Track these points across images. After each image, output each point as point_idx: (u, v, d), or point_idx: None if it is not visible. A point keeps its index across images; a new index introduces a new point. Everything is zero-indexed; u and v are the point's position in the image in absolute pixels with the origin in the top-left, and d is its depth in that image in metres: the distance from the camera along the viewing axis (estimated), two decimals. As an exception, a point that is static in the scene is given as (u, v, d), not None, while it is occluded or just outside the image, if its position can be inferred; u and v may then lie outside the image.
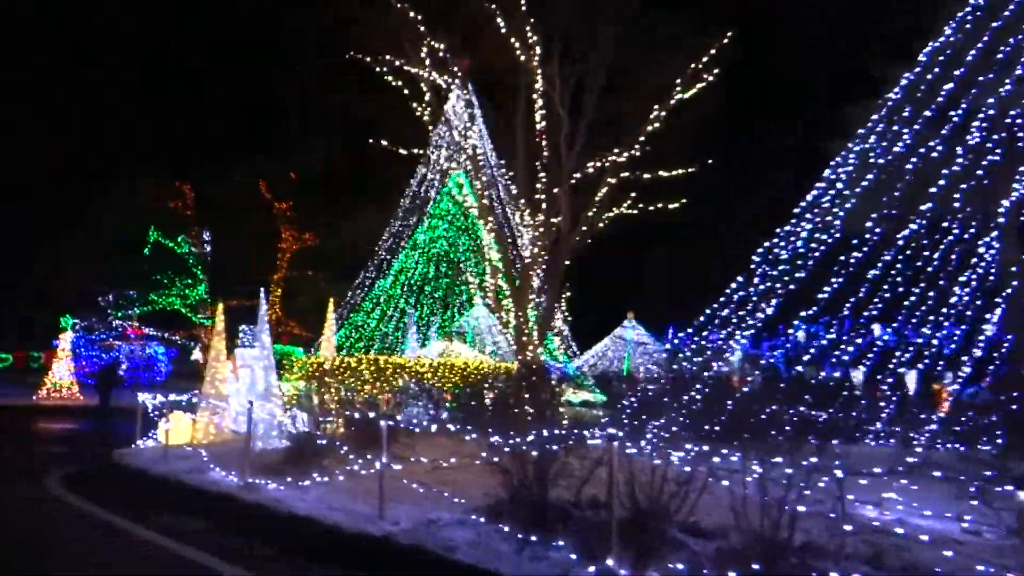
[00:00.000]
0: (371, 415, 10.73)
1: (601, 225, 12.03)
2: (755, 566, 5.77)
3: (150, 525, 9.27)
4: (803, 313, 14.94)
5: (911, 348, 16.86)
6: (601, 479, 7.69)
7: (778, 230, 14.40)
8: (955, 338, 17.00)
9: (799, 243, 14.33)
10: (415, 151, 36.65)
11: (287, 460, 11.03)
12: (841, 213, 14.08)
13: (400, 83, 12.10)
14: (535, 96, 11.81)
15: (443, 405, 13.58)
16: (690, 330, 13.67)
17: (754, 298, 13.12)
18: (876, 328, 18.72)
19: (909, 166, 12.08)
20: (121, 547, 8.63)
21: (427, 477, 9.69)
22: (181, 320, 44.67)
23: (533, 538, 7.05)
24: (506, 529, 7.38)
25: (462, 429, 11.09)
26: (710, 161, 11.83)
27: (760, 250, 14.46)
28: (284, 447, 12.63)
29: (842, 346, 17.04)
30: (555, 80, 11.62)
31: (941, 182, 11.70)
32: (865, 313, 15.66)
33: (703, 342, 15.83)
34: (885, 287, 15.32)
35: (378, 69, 12.28)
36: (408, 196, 39.03)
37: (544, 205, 12.16)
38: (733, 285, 14.38)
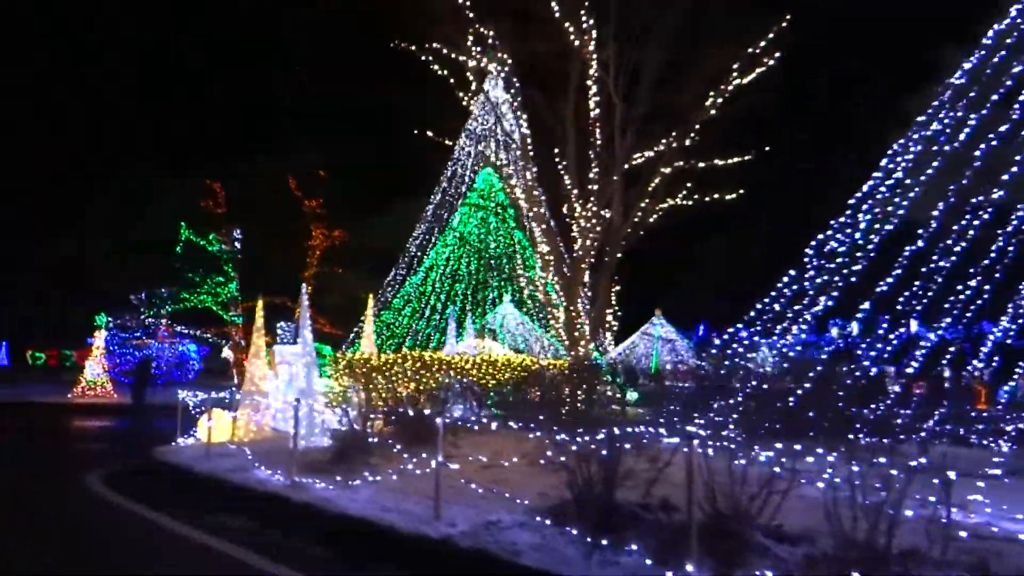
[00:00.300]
0: (425, 411, 10.42)
1: (653, 218, 11.61)
2: (854, 574, 5.36)
3: (197, 524, 9.04)
4: (861, 306, 14.42)
5: (953, 345, 16.26)
6: (669, 480, 7.32)
7: (832, 221, 13.91)
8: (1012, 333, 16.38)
9: (857, 235, 13.83)
10: (452, 143, 36.53)
11: (334, 459, 10.75)
12: (903, 203, 13.56)
13: (445, 71, 11.75)
14: (589, 83, 11.40)
15: (486, 402, 13.26)
16: (739, 326, 13.22)
17: (810, 292, 12.65)
18: (913, 324, 18.12)
19: (978, 152, 11.54)
20: (168, 547, 8.39)
21: (478, 476, 9.35)
22: (212, 318, 44.85)
23: (603, 542, 6.69)
24: (572, 532, 7.02)
25: (523, 427, 10.77)
26: (767, 148, 11.39)
27: (814, 243, 13.97)
28: (328, 445, 12.37)
29: (881, 343, 16.35)
30: (610, 65, 11.21)
31: (1014, 169, 11.16)
32: (919, 308, 15.11)
33: (737, 338, 15.34)
34: (940, 280, 14.77)
35: (423, 57, 11.95)
36: (438, 192, 38.86)
37: (594, 196, 11.76)
38: (785, 279, 13.91)
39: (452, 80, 11.68)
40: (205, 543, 8.29)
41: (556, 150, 11.67)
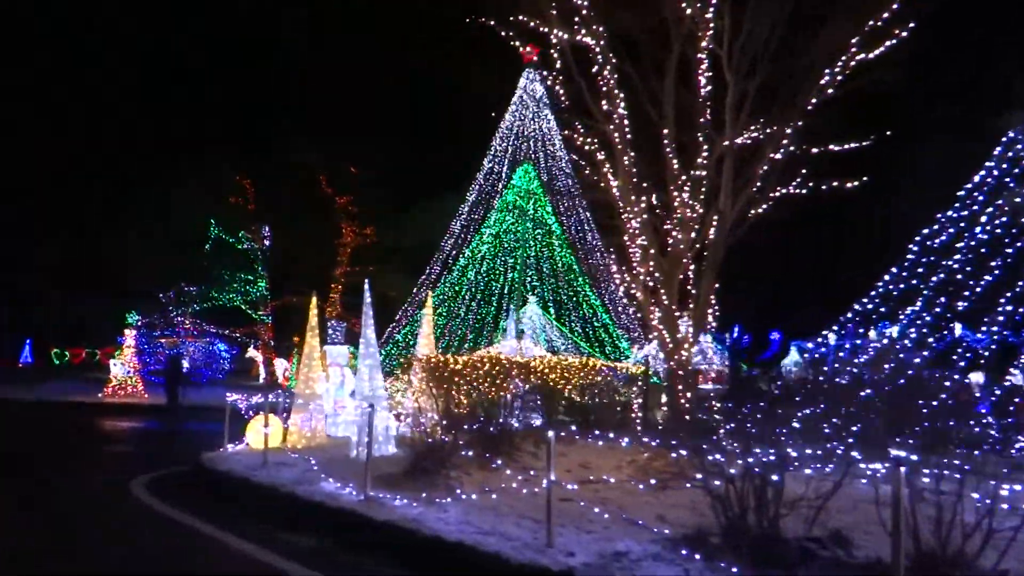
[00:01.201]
0: (512, 422, 9.39)
1: (764, 208, 10.51)
2: None
3: (266, 543, 8.04)
4: (959, 306, 13.25)
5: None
6: (835, 508, 6.24)
7: (939, 215, 12.73)
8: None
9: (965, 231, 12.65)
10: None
11: (409, 471, 9.71)
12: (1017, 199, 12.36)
13: (518, 44, 10.72)
14: (700, 56, 10.29)
15: (558, 408, 12.22)
16: (842, 327, 12.08)
17: (925, 291, 11.50)
18: (957, 327, 16.88)
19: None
20: (238, 570, 7.39)
21: (579, 494, 8.29)
22: (240, 317, 44.08)
23: (769, 582, 5.61)
24: (727, 567, 5.93)
25: (610, 437, 9.71)
26: (888, 133, 10.24)
27: (918, 238, 12.81)
28: (396, 455, 11.35)
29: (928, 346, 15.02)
30: (724, 37, 10.10)
31: None
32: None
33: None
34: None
35: (504, 33, 10.90)
36: (473, 190, 37.84)
37: (691, 185, 10.65)
38: (886, 277, 12.76)
39: (535, 59, 10.60)
40: (280, 568, 7.28)
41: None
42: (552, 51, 10.64)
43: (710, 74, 10.30)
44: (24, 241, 47.23)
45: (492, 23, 10.80)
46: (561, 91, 10.97)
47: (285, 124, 49.56)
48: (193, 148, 42.66)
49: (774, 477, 5.81)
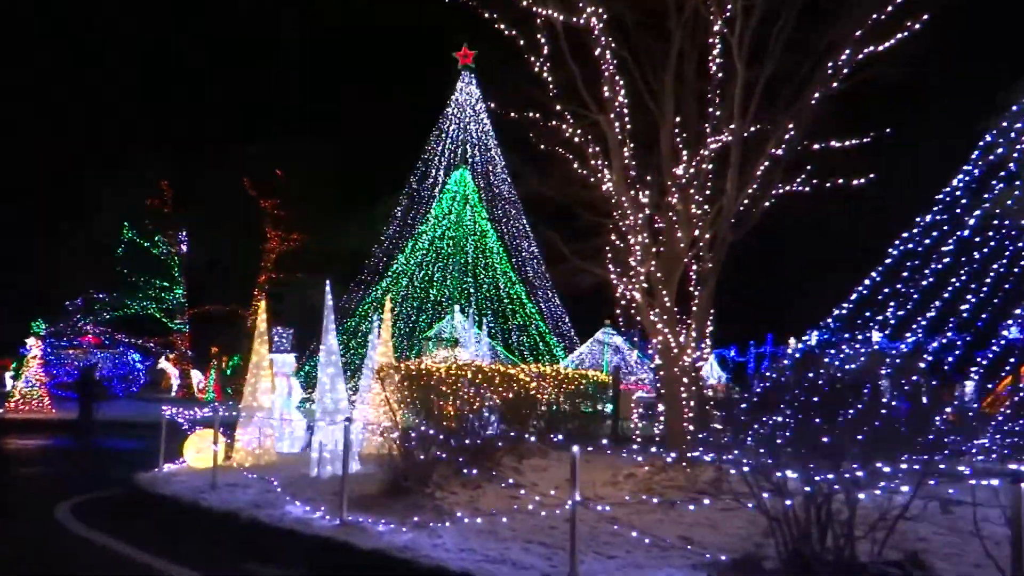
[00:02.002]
0: (512, 433, 8.55)
1: (767, 204, 9.99)
2: None
3: (232, 580, 7.00)
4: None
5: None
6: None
7: (919, 219, 12.54)
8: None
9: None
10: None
11: (386, 492, 8.76)
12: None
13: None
14: (713, 40, 9.68)
15: (542, 419, 11.46)
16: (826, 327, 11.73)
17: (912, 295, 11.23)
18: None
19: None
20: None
21: (581, 514, 7.52)
22: (154, 326, 41.61)
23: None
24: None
25: (591, 449, 9.00)
26: (888, 131, 9.83)
27: (897, 241, 12.59)
28: (361, 471, 10.35)
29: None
30: (736, 21, 9.50)
31: None
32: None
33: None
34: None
35: (487, 15, 10.09)
36: (406, 195, 36.76)
37: (693, 179, 10.05)
38: (866, 281, 12.49)
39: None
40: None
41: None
42: (539, 36, 9.94)
43: (720, 61, 9.76)
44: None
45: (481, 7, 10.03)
46: (549, 79, 10.23)
47: (216, 124, 47.28)
48: (118, 149, 39.97)
49: (843, 495, 5.17)
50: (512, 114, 10.63)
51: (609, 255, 10.34)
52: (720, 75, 9.90)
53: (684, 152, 10.00)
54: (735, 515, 7.33)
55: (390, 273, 35.72)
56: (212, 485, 10.00)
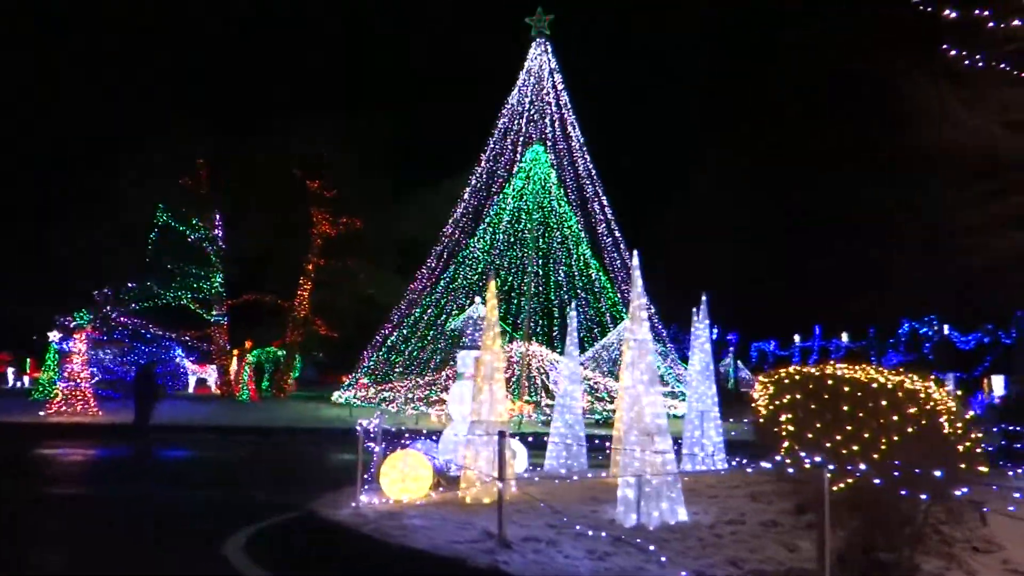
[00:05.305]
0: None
1: None
2: None
3: None
4: None
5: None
6: None
7: None
8: None
9: None
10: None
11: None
12: None
13: None
14: None
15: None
16: None
17: None
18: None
19: None
20: None
21: None
22: (187, 317, 38.08)
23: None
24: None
25: None
26: None
27: None
28: (686, 523, 7.16)
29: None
30: None
31: None
32: None
33: None
34: None
35: None
36: (475, 174, 33.41)
37: None
38: None
39: None
40: None
41: None
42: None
43: None
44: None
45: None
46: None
47: (257, 95, 43.75)
48: (151, 126, 36.25)
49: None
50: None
51: None
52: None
53: None
54: None
55: (456, 261, 32.51)
56: (502, 542, 6.67)
